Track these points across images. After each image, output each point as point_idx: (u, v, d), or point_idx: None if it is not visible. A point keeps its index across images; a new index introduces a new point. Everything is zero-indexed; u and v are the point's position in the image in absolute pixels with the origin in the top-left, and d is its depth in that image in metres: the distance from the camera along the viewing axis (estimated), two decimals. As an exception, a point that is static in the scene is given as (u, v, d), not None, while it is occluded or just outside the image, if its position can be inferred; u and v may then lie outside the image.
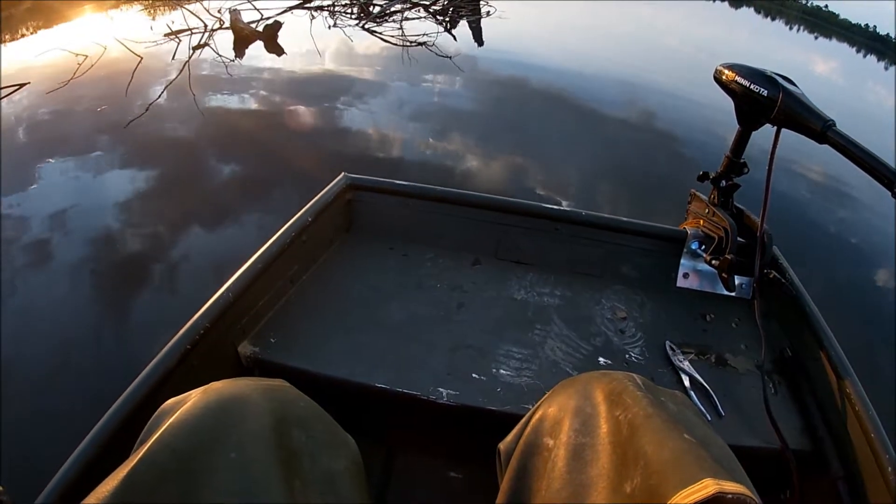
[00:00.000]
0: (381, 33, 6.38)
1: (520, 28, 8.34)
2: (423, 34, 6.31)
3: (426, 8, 7.90)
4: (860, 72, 17.51)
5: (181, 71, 4.36)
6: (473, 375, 1.02)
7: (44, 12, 7.30)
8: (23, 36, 7.00)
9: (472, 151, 3.75)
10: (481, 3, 8.68)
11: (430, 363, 1.04)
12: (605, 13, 15.06)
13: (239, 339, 1.03)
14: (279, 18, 6.25)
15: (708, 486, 0.43)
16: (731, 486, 0.43)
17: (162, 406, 0.54)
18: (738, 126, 1.21)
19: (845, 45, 28.72)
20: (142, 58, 4.48)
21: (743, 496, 0.43)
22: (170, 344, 0.89)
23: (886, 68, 22.31)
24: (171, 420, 0.50)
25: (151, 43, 5.00)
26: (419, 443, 1.12)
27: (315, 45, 5.54)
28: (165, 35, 5.30)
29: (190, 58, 4.76)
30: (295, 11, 6.88)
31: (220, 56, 4.95)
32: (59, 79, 3.93)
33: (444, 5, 8.14)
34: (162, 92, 3.91)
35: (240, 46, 5.46)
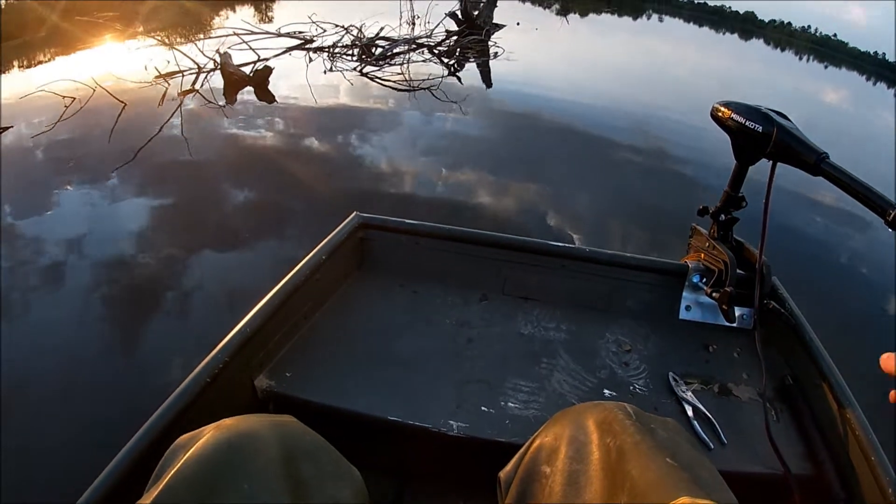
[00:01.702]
0: (381, 78, 6.15)
1: (530, 64, 8.40)
2: (429, 76, 6.19)
3: (431, 49, 7.80)
4: (869, 99, 17.61)
5: (167, 120, 4.25)
6: (482, 408, 1.05)
7: (63, 38, 7.57)
8: (40, 63, 7.20)
9: (483, 184, 3.77)
10: (489, 44, 8.69)
11: (440, 396, 1.06)
12: (616, 47, 15.38)
13: (255, 374, 1.06)
14: (275, 61, 6.15)
15: (683, 502, 0.49)
16: (704, 503, 0.49)
17: (176, 441, 0.56)
18: (735, 161, 1.24)
19: (855, 74, 28.86)
20: (125, 104, 4.41)
21: None
22: (189, 377, 0.92)
23: (896, 95, 22.45)
24: (187, 454, 0.52)
25: (145, 83, 5.01)
26: (430, 474, 1.13)
27: (311, 89, 5.41)
28: (155, 78, 5.18)
29: (180, 105, 4.68)
30: (293, 53, 6.78)
31: (210, 102, 4.85)
32: (50, 119, 4.00)
33: (449, 46, 8.06)
34: (147, 143, 3.80)
35: (230, 91, 5.27)
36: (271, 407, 1.06)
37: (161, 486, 0.50)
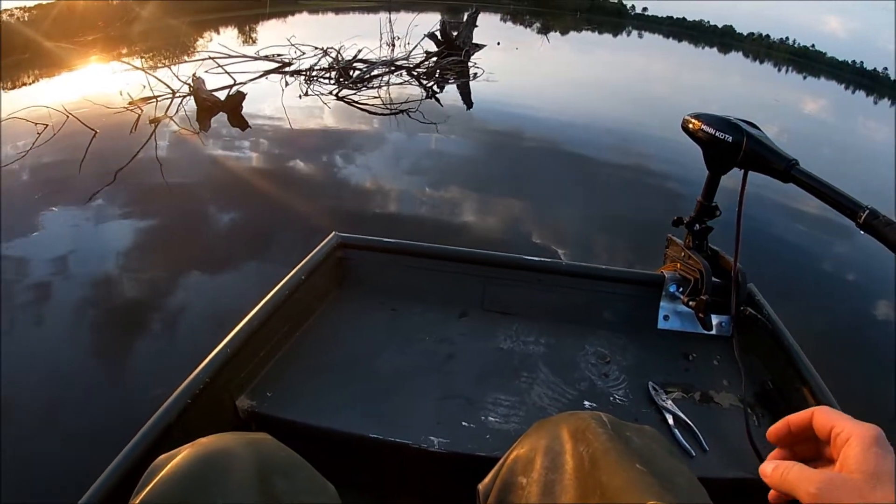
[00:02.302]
0: (358, 102, 6.05)
1: (511, 83, 8.40)
2: (407, 99, 6.14)
3: (409, 71, 7.72)
4: (849, 107, 17.89)
5: (140, 148, 4.17)
6: (463, 423, 1.05)
7: (47, 59, 7.62)
8: (24, 84, 7.25)
9: (466, 203, 3.77)
10: (469, 64, 8.66)
11: (420, 413, 1.07)
12: (597, 64, 15.58)
13: (237, 394, 1.06)
14: (252, 84, 6.12)
15: None
16: None
17: (154, 462, 0.56)
18: (707, 172, 1.26)
19: (834, 83, 29.33)
20: (96, 132, 4.35)
21: None
22: (171, 398, 0.92)
23: (876, 102, 22.80)
24: (162, 473, 0.53)
25: (119, 109, 4.96)
26: (412, 490, 1.13)
27: (286, 113, 5.41)
28: (129, 104, 5.11)
29: (153, 132, 4.59)
30: (270, 77, 6.74)
31: (184, 129, 4.77)
32: (25, 145, 3.98)
33: (429, 68, 8.02)
34: (119, 170, 3.72)
35: (203, 117, 5.15)
36: (253, 427, 1.05)
37: None
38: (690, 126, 1.20)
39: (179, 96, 5.43)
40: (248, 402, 1.05)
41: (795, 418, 0.48)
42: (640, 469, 0.57)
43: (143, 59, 8.05)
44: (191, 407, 0.93)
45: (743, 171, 1.13)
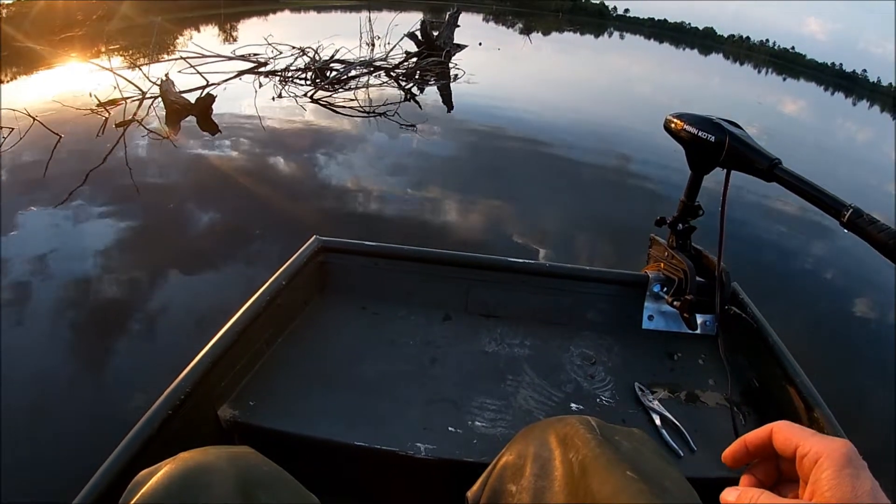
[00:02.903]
0: (333, 105, 5.84)
1: (492, 84, 8.30)
2: (385, 101, 5.98)
3: (388, 72, 7.51)
4: (829, 109, 18.15)
5: (105, 158, 3.96)
6: (449, 429, 1.04)
7: (25, 58, 7.43)
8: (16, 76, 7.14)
9: (448, 204, 3.71)
10: (450, 65, 8.50)
11: (406, 419, 1.05)
12: (578, 65, 15.63)
13: (218, 404, 1.04)
14: (225, 86, 5.95)
15: None
16: None
17: (135, 478, 0.56)
18: (690, 171, 1.25)
19: (813, 85, 29.76)
20: (60, 136, 4.15)
21: None
22: (151, 410, 0.89)
23: (854, 104, 23.19)
24: (143, 490, 0.52)
25: (88, 111, 4.79)
26: (398, 498, 1.11)
27: (259, 116, 5.22)
28: (97, 106, 4.90)
29: (122, 135, 4.41)
30: (244, 77, 6.54)
31: (152, 132, 4.56)
32: None
33: (408, 69, 7.82)
34: (86, 177, 3.58)
35: (173, 120, 4.93)
36: (236, 437, 1.03)
37: None
38: (673, 126, 1.19)
39: (149, 98, 5.24)
40: (231, 412, 1.03)
41: (752, 437, 0.45)
42: (630, 476, 0.56)
43: (122, 57, 7.90)
44: (172, 418, 0.90)
45: (726, 170, 1.12)
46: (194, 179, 3.80)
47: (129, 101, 5.11)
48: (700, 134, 1.12)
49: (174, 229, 3.03)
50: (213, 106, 5.28)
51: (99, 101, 4.94)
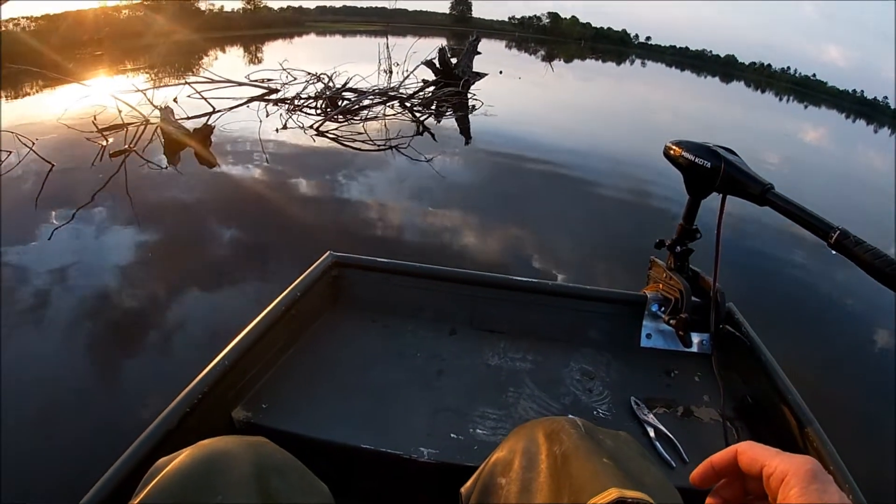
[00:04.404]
0: (341, 137, 5.53)
1: (512, 115, 8.11)
2: (399, 133, 5.72)
3: (402, 103, 7.16)
4: (850, 137, 17.93)
5: (106, 182, 3.86)
6: (452, 435, 1.08)
7: (56, 71, 7.42)
8: (26, 94, 7.33)
9: (468, 228, 3.69)
10: (468, 95, 8.27)
11: (411, 425, 1.10)
12: (601, 93, 15.63)
13: (233, 405, 1.10)
14: (231, 114, 5.77)
15: (612, 493, 0.54)
16: (632, 494, 0.54)
17: (155, 464, 0.58)
18: (688, 196, 1.32)
19: (834, 112, 29.50)
20: (53, 165, 4.01)
21: (642, 501, 0.54)
22: (170, 407, 0.95)
23: (876, 131, 22.89)
24: (163, 472, 0.55)
25: (90, 134, 4.62)
26: (402, 499, 1.15)
27: (262, 147, 5.01)
28: (100, 130, 4.69)
29: (122, 163, 4.25)
30: (251, 105, 6.32)
31: (150, 162, 4.37)
32: None
33: (424, 99, 7.54)
34: (76, 211, 3.38)
35: (172, 151, 4.73)
36: None
37: (138, 502, 0.53)
38: (672, 152, 1.24)
39: (152, 124, 5.05)
40: (244, 414, 1.08)
41: (718, 458, 0.45)
42: (607, 462, 0.59)
43: (148, 74, 7.98)
44: (188, 416, 0.95)
45: (721, 195, 1.16)
46: (181, 219, 3.56)
47: (129, 126, 4.90)
48: (697, 161, 1.16)
49: (161, 278, 2.81)
50: (219, 134, 5.14)
51: (97, 127, 4.69)
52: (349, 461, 1.07)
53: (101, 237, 3.13)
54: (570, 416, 1.12)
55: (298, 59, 7.55)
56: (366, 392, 1.18)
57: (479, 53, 9.05)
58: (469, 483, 0.72)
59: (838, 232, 0.95)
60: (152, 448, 0.88)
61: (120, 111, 4.98)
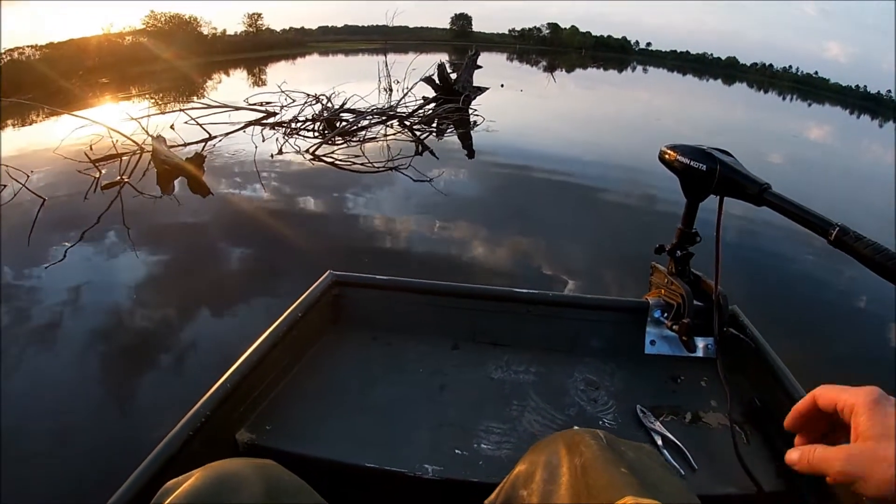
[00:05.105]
0: (338, 161, 5.38)
1: (516, 126, 8.03)
2: (399, 153, 5.58)
3: (401, 122, 6.99)
4: (855, 132, 17.79)
5: (102, 213, 3.79)
6: (456, 451, 1.08)
7: (63, 97, 7.56)
8: (32, 122, 7.38)
9: (474, 242, 3.65)
10: (470, 110, 8.17)
11: (415, 441, 1.09)
12: (603, 101, 15.56)
13: (236, 428, 1.09)
14: (227, 140, 5.70)
15: (626, 501, 0.55)
16: (646, 502, 0.55)
17: (164, 486, 0.58)
18: (685, 199, 1.29)
19: (838, 108, 29.33)
20: (45, 199, 3.95)
21: None
22: (172, 431, 0.94)
23: (881, 125, 22.70)
24: (176, 493, 0.55)
25: (83, 165, 4.51)
26: None
27: (258, 173, 4.86)
28: (91, 161, 4.54)
29: (117, 195, 4.16)
30: (247, 130, 6.19)
31: (143, 194, 4.26)
32: None
33: (424, 117, 7.38)
34: (72, 245, 3.32)
35: (165, 181, 4.62)
36: None
37: None
38: (667, 157, 1.23)
39: (147, 152, 4.97)
40: (248, 436, 1.08)
41: (801, 405, 0.52)
42: (624, 472, 0.61)
43: (152, 101, 8.02)
44: (191, 440, 0.95)
45: (719, 197, 1.16)
46: (180, 245, 3.49)
47: (123, 157, 4.81)
48: (692, 164, 1.16)
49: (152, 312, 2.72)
50: (216, 160, 5.08)
51: (90, 158, 4.55)
52: (353, 480, 1.07)
53: (96, 268, 3.10)
54: (592, 429, 1.13)
55: (300, 80, 7.54)
56: (369, 410, 1.18)
57: (480, 67, 8.94)
58: (493, 496, 0.74)
59: (837, 228, 0.94)
60: (157, 472, 0.87)
61: (115, 142, 4.92)
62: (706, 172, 1.13)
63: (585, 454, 0.65)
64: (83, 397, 2.05)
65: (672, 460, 1.05)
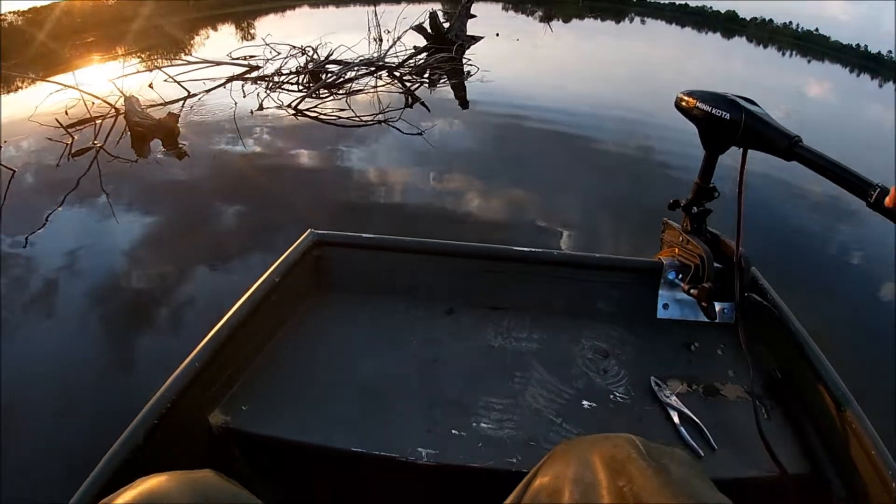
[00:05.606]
0: (322, 115, 5.20)
1: (512, 76, 7.79)
2: (388, 106, 5.36)
3: (391, 72, 6.76)
4: (854, 91, 17.63)
5: (75, 185, 3.65)
6: (453, 432, 1.00)
7: (48, 60, 7.33)
8: (18, 88, 7.16)
9: (472, 190, 3.59)
10: (463, 60, 7.88)
11: (407, 422, 1.01)
12: (600, 53, 15.25)
13: (209, 410, 1.00)
14: (208, 96, 5.49)
15: None
16: None
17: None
18: (704, 151, 1.20)
19: (838, 66, 28.93)
20: (14, 171, 3.81)
21: None
22: (135, 421, 0.86)
23: (881, 86, 22.46)
24: None
25: (57, 133, 4.34)
26: None
27: (238, 131, 4.69)
28: (62, 127, 4.40)
29: (92, 164, 4.01)
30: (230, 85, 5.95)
31: (118, 158, 4.12)
32: None
33: (415, 67, 7.14)
34: (52, 212, 3.27)
35: (139, 143, 4.45)
36: (231, 444, 0.99)
37: None
38: (684, 104, 1.15)
39: (112, 116, 4.75)
40: (222, 418, 0.99)
41: None
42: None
43: (139, 60, 7.76)
44: (159, 427, 0.87)
45: (742, 149, 1.09)
46: (166, 206, 3.41)
47: (96, 120, 4.60)
48: (714, 111, 1.07)
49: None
50: (194, 119, 4.89)
51: (60, 124, 4.37)
52: (339, 466, 1.00)
53: (80, 234, 3.07)
54: (595, 412, 1.05)
55: (289, 33, 7.24)
56: (355, 387, 1.09)
57: (474, 16, 8.62)
58: None
59: (878, 190, 0.85)
60: (121, 466, 0.79)
61: (90, 104, 4.73)
62: (729, 122, 1.05)
63: (637, 480, 0.53)
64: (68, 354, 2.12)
65: (690, 440, 0.98)
